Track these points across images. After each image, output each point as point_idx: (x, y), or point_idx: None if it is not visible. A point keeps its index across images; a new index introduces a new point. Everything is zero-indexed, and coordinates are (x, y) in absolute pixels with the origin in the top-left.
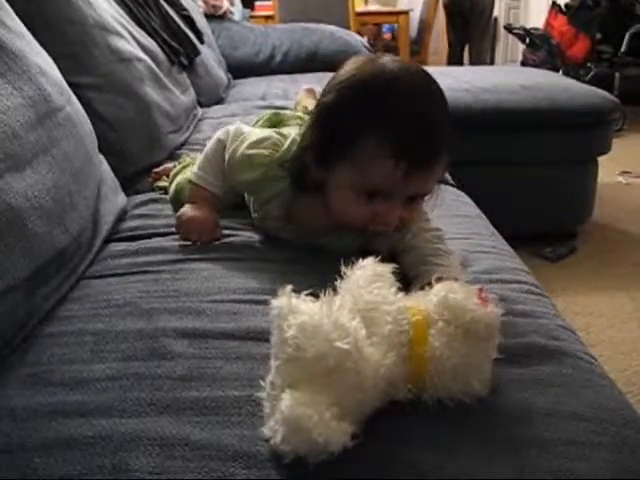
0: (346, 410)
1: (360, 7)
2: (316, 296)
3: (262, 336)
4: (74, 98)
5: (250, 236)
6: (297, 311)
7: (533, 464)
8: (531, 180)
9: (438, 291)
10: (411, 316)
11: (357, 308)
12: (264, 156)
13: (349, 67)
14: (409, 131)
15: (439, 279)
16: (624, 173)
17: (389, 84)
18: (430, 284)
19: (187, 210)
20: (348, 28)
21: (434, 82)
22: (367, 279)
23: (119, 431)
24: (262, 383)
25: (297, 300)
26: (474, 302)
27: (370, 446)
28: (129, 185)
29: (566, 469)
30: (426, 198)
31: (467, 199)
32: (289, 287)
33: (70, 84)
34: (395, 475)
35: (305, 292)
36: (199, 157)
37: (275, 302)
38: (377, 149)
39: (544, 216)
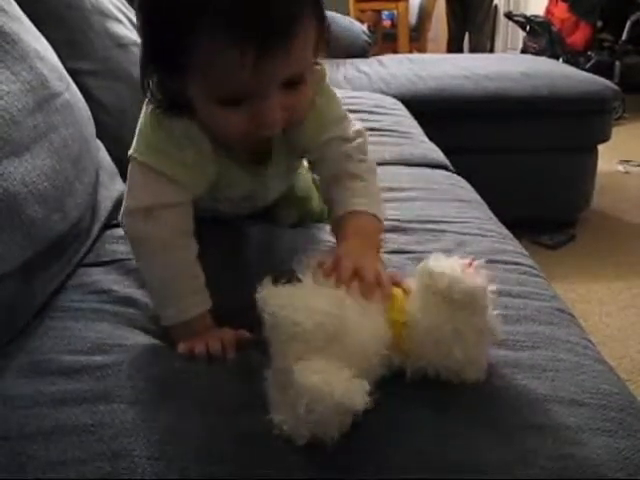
0: (356, 373)
1: None
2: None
3: None
4: (72, 84)
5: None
6: (281, 294)
7: (533, 450)
8: (530, 168)
9: (425, 262)
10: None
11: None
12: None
13: None
14: (244, 7)
15: (348, 214)
16: (623, 162)
17: None
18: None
19: (186, 346)
20: (347, 14)
21: None
22: None
23: (118, 418)
24: (266, 373)
25: (277, 287)
26: (456, 270)
27: (373, 432)
28: (126, 170)
29: (566, 454)
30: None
31: (466, 184)
32: (267, 279)
33: (68, 70)
34: (401, 462)
35: (282, 281)
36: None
37: (258, 293)
38: (211, 43)
39: (543, 204)
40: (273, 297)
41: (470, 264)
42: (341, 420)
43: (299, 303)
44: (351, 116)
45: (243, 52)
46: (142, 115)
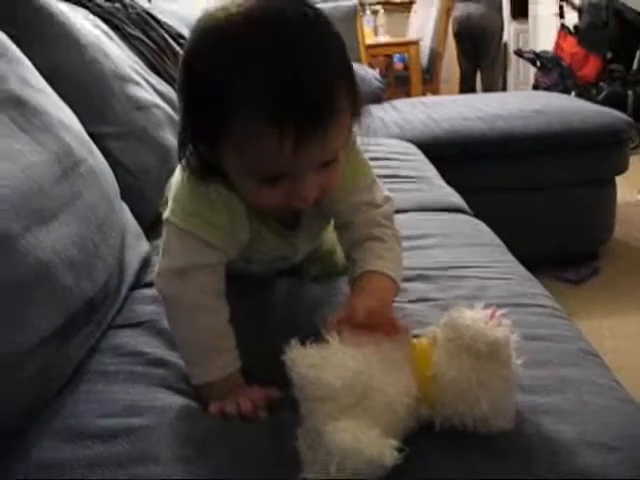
0: (384, 430)
1: (370, 39)
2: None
3: None
4: (95, 149)
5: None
6: (308, 354)
7: None
8: (549, 203)
9: (448, 314)
10: (415, 343)
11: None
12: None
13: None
14: (281, 94)
15: (366, 273)
16: None
17: (238, 36)
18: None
19: (217, 407)
20: (359, 61)
21: (305, 10)
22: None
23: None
24: (297, 432)
25: (304, 348)
26: (480, 321)
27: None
28: (151, 230)
29: None
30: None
31: (484, 227)
32: (294, 341)
33: (90, 134)
34: None
35: (309, 341)
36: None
37: (286, 354)
38: (250, 128)
39: (564, 239)
40: (301, 358)
41: (493, 314)
42: (372, 477)
43: (327, 363)
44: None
45: (282, 137)
46: (177, 179)
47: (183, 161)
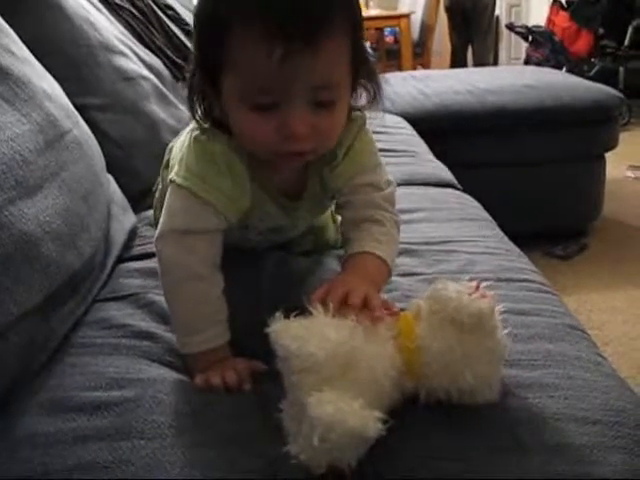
0: (368, 402)
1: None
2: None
3: None
4: (81, 120)
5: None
6: (291, 326)
7: (547, 470)
8: (538, 179)
9: (432, 287)
10: (399, 316)
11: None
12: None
13: None
14: (278, 5)
15: (358, 253)
16: (632, 167)
17: None
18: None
19: (202, 379)
20: None
21: None
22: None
23: (139, 454)
24: (281, 405)
25: (289, 320)
26: (463, 293)
27: (391, 457)
28: (138, 203)
29: (581, 474)
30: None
31: (473, 202)
32: (278, 313)
33: (76, 106)
34: None
35: (294, 314)
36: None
37: (269, 328)
38: (243, 38)
39: (554, 215)
40: (285, 330)
41: (477, 286)
42: (356, 448)
43: (310, 335)
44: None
45: (270, 47)
46: (185, 142)
47: (194, 113)
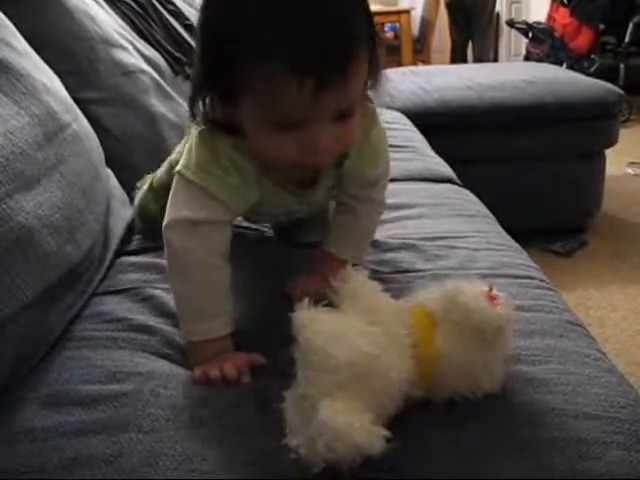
0: (377, 414)
1: None
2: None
3: None
4: (80, 114)
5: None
6: (318, 320)
7: (546, 465)
8: (538, 175)
9: (446, 291)
10: (416, 318)
11: (364, 311)
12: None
13: None
14: (304, 38)
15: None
16: (632, 164)
17: None
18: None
19: (201, 371)
20: None
21: None
22: (360, 288)
23: (137, 447)
24: (284, 394)
25: (316, 311)
26: (483, 302)
27: (390, 451)
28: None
29: (580, 469)
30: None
31: (472, 197)
32: (307, 299)
33: (75, 100)
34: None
35: (322, 303)
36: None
37: (296, 314)
38: (271, 71)
39: (553, 211)
40: (311, 322)
41: (490, 289)
42: (359, 459)
43: (335, 334)
44: None
45: (301, 83)
46: (192, 135)
47: (197, 116)
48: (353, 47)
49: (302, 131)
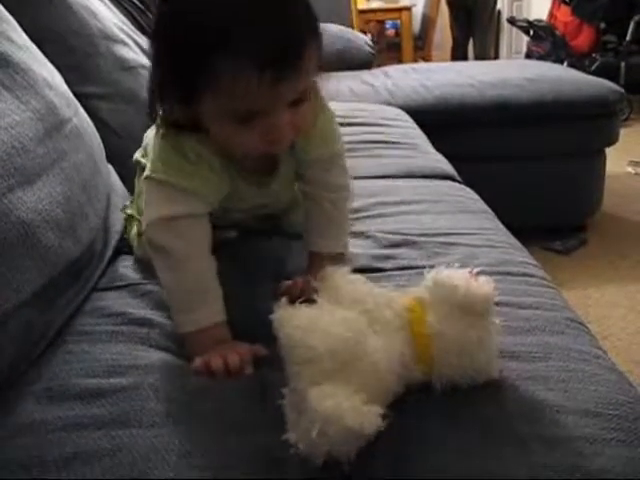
0: (369, 397)
1: (362, 5)
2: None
3: None
4: (81, 109)
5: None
6: (296, 316)
7: (546, 462)
8: (538, 173)
9: (430, 276)
10: (405, 301)
11: (349, 304)
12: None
13: None
14: (263, 33)
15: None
16: (633, 163)
17: None
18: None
19: (202, 361)
20: (351, 26)
21: None
22: (340, 283)
23: (136, 442)
24: (283, 391)
25: (293, 308)
26: (466, 278)
27: (389, 448)
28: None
29: (580, 466)
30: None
31: (473, 195)
32: (284, 299)
33: (76, 94)
34: (418, 477)
35: (299, 301)
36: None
37: (274, 314)
38: (230, 68)
39: (553, 209)
40: (288, 318)
41: (470, 272)
42: (354, 443)
43: (313, 326)
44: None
45: (261, 76)
46: (154, 139)
47: (157, 117)
48: (306, 40)
49: (262, 120)
